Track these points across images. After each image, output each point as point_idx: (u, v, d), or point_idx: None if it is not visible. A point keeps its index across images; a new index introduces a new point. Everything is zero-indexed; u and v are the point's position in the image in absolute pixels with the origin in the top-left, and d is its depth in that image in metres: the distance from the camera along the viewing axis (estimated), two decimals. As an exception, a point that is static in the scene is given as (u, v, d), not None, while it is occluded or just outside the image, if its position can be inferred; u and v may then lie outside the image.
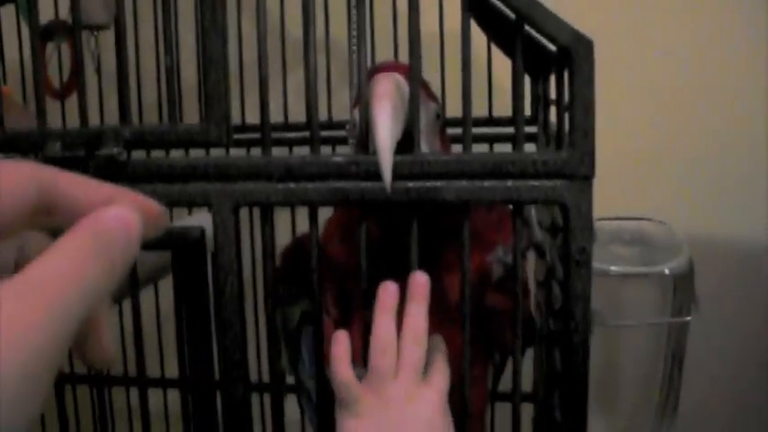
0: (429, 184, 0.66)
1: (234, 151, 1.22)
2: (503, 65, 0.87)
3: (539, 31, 0.64)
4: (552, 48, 0.70)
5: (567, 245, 0.66)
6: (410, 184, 0.66)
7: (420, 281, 0.68)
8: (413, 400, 0.66)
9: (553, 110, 0.80)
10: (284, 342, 0.91)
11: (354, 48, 1.19)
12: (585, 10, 1.08)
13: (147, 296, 1.23)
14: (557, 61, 0.71)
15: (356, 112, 0.77)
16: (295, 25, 1.32)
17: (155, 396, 1.37)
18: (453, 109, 0.78)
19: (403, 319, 0.68)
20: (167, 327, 1.39)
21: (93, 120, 1.24)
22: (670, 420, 1.17)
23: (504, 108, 1.23)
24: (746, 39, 1.41)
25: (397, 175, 0.64)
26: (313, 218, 0.70)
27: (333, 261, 0.84)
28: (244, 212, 1.27)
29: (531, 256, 0.90)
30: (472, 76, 0.66)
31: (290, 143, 1.34)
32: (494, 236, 0.86)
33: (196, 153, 1.01)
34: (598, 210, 0.69)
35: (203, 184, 0.68)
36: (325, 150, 1.23)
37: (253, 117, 1.35)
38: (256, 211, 1.25)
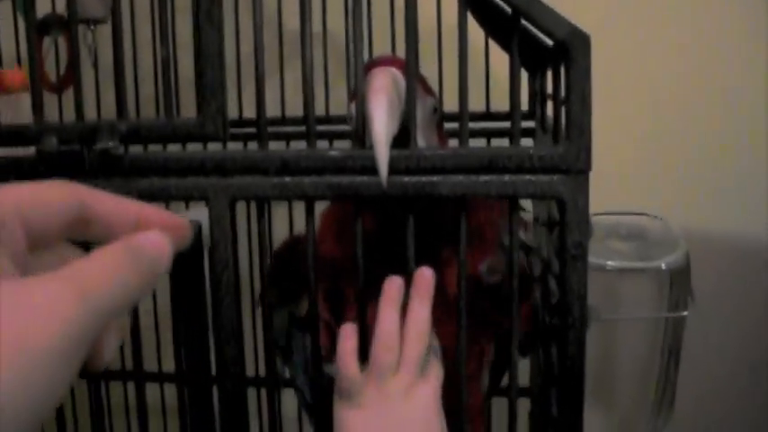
0: (425, 178, 0.66)
1: (231, 145, 1.22)
2: (500, 60, 0.87)
3: (535, 25, 0.64)
4: (549, 42, 0.69)
5: (563, 239, 0.66)
6: (406, 179, 0.66)
7: (425, 276, 0.68)
8: (411, 394, 0.67)
9: (550, 105, 0.79)
10: (275, 344, 0.91)
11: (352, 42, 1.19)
12: (584, 4, 1.08)
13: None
14: (553, 56, 0.70)
15: (353, 107, 0.77)
16: (292, 19, 1.32)
17: (152, 391, 1.37)
18: (450, 104, 0.78)
19: (406, 314, 0.68)
20: (164, 321, 1.38)
21: (91, 114, 1.24)
22: (666, 415, 1.18)
23: (501, 103, 1.23)
24: (742, 31, 1.41)
25: (394, 169, 0.64)
26: (309, 212, 0.70)
27: (324, 258, 0.84)
28: (241, 207, 1.27)
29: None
30: (469, 70, 0.66)
31: (287, 137, 1.34)
32: (493, 235, 0.86)
33: (194, 147, 1.01)
34: (595, 205, 0.69)
35: (199, 179, 0.68)
36: (323, 145, 1.23)
37: (250, 111, 1.34)
38: (253, 206, 1.25)
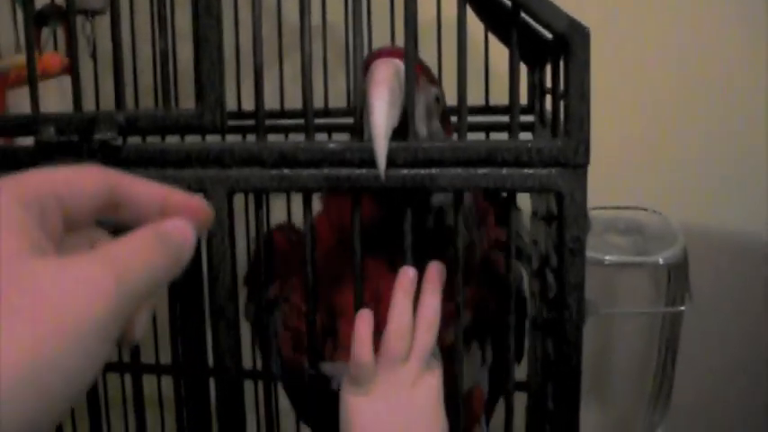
0: (424, 171, 0.66)
1: (230, 138, 1.22)
2: (499, 54, 0.86)
3: (535, 18, 0.64)
4: (549, 36, 0.69)
5: (561, 233, 0.66)
6: (404, 171, 0.66)
7: (435, 271, 0.70)
8: (418, 384, 0.68)
9: (550, 99, 0.79)
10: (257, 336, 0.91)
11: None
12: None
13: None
14: (553, 49, 0.70)
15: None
16: (291, 11, 1.32)
17: (149, 383, 1.37)
18: (449, 98, 0.77)
19: (418, 305, 0.69)
20: (161, 313, 1.38)
21: (89, 105, 1.24)
22: (663, 410, 1.18)
23: (500, 97, 1.23)
24: (740, 25, 1.41)
25: (392, 162, 0.64)
26: (307, 204, 0.70)
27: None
28: (239, 199, 1.27)
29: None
30: (469, 64, 0.66)
31: (286, 130, 1.33)
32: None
33: (192, 139, 1.01)
34: (593, 199, 0.69)
35: (197, 170, 0.68)
36: (322, 138, 1.23)
37: (248, 104, 1.34)
38: (251, 198, 1.25)
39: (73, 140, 0.68)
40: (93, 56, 1.36)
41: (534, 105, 1.09)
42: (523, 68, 1.05)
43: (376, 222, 0.74)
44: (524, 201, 0.91)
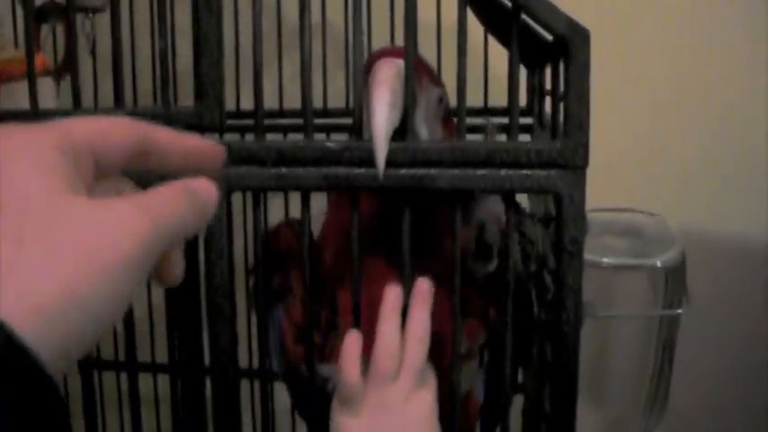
0: (422, 171, 0.65)
1: (228, 137, 1.22)
2: (499, 55, 0.87)
3: (534, 19, 0.64)
4: (549, 38, 0.69)
5: (559, 235, 0.66)
6: (403, 171, 0.66)
7: (424, 287, 0.69)
8: (411, 401, 0.67)
9: (549, 101, 0.79)
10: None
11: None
12: (584, 1, 1.07)
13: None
14: (553, 51, 0.70)
15: None
16: (291, 10, 1.31)
17: (145, 381, 1.37)
18: (450, 99, 0.78)
19: (407, 320, 0.68)
20: (158, 311, 1.38)
21: (88, 102, 1.23)
22: (660, 413, 1.18)
23: (499, 99, 1.23)
24: (739, 25, 1.41)
25: (391, 161, 0.64)
26: (305, 203, 0.70)
27: (321, 250, 0.84)
28: (237, 198, 1.26)
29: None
30: (468, 65, 0.66)
31: (285, 129, 1.33)
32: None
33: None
34: (591, 201, 0.69)
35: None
36: (321, 137, 1.23)
37: (247, 104, 1.34)
38: (250, 197, 1.25)
39: (71, 137, 0.68)
40: (93, 53, 1.36)
41: (533, 107, 1.09)
42: (523, 71, 1.05)
43: (382, 222, 0.74)
44: (522, 202, 0.91)
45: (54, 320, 0.30)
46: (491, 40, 1.18)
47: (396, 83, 0.64)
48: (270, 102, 1.38)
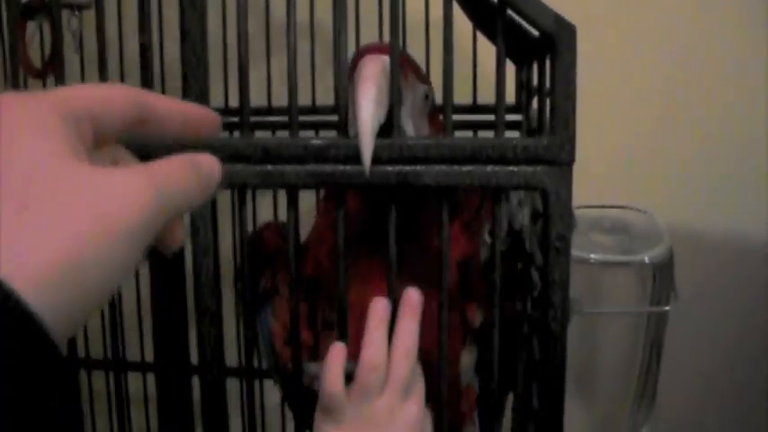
0: (408, 168, 0.65)
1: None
2: (488, 53, 0.86)
3: (520, 15, 0.64)
4: (536, 34, 0.69)
5: (546, 231, 0.66)
6: (389, 168, 0.65)
7: (413, 298, 0.69)
8: (396, 415, 0.67)
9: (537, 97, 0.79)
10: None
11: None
12: None
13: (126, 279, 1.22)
14: (539, 47, 0.70)
15: None
16: (279, 7, 1.31)
17: (134, 380, 1.36)
18: (436, 95, 0.77)
19: (394, 332, 0.68)
20: (147, 310, 1.37)
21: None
22: (648, 409, 1.18)
23: (488, 96, 1.22)
24: (729, 25, 1.41)
25: (377, 158, 0.64)
26: (291, 201, 0.70)
27: (309, 249, 0.84)
28: (225, 196, 1.25)
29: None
30: (457, 63, 0.66)
31: (273, 127, 1.33)
32: (479, 218, 0.86)
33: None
34: (579, 198, 0.69)
35: (180, 165, 0.67)
36: (309, 135, 1.22)
37: (235, 101, 1.33)
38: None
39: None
40: (80, 50, 1.35)
41: (522, 104, 1.09)
42: (512, 67, 1.05)
43: (375, 221, 0.74)
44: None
45: (59, 285, 0.30)
46: (480, 36, 1.17)
47: (381, 79, 0.64)
48: (258, 99, 1.38)
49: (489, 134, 1.22)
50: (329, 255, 0.81)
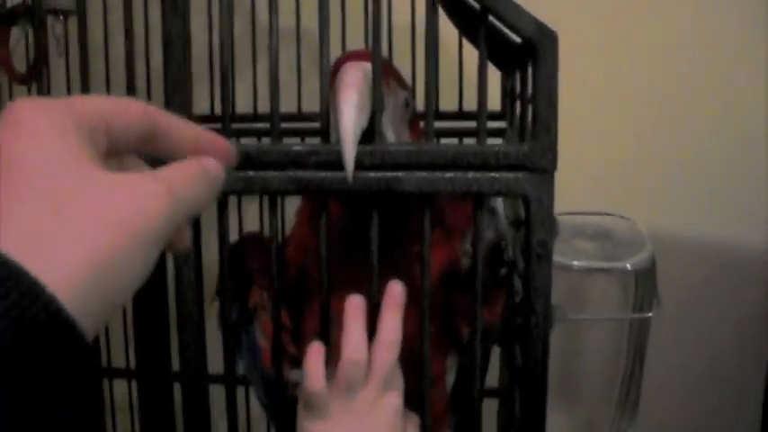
0: (390, 174, 0.65)
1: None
2: (474, 60, 0.86)
3: (501, 21, 0.64)
4: (518, 41, 0.69)
5: (528, 238, 0.66)
6: (371, 174, 0.65)
7: (396, 291, 0.69)
8: (377, 406, 0.68)
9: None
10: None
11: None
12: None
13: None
14: (521, 54, 0.70)
15: None
16: (266, 14, 1.30)
17: (120, 387, 1.35)
18: (422, 103, 0.77)
19: (377, 326, 0.68)
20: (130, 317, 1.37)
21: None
22: (631, 415, 1.18)
23: (474, 103, 1.23)
24: (730, 25, 1.42)
25: (359, 164, 0.64)
26: (273, 206, 0.70)
27: (291, 254, 0.83)
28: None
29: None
30: (443, 71, 0.66)
31: (259, 133, 1.32)
32: (465, 225, 0.85)
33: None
34: (561, 204, 0.69)
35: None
36: (295, 141, 1.22)
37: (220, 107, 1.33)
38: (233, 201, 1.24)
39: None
40: (65, 56, 1.34)
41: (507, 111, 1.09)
42: (498, 74, 1.05)
43: (359, 228, 0.74)
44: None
45: (90, 287, 0.32)
46: (467, 44, 1.18)
47: (363, 86, 0.64)
48: (244, 106, 1.37)
49: (474, 141, 1.23)
50: (312, 263, 0.81)
